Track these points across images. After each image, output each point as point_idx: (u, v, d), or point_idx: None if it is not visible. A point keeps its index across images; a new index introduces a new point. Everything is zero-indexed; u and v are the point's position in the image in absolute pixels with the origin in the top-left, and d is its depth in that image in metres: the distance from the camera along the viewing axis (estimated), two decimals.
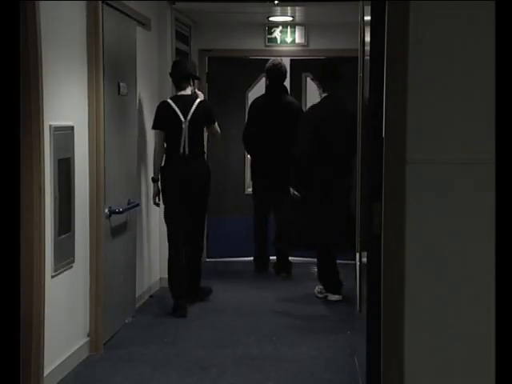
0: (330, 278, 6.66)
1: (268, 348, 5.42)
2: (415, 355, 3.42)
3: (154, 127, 6.22)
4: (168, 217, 6.22)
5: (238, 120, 8.31)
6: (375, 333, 3.53)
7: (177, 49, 7.44)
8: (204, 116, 6.20)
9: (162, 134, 6.17)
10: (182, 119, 6.07)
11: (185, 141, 6.07)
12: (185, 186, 6.11)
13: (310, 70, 8.53)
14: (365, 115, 4.21)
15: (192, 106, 6.12)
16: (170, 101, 6.17)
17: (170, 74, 6.37)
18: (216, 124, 6.38)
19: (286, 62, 8.68)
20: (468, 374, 3.42)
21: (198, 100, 6.21)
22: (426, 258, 3.39)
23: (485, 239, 3.32)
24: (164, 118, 6.13)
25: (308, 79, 8.64)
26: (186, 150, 6.07)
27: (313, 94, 8.65)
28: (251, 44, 8.42)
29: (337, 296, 6.60)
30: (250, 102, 8.19)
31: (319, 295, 6.74)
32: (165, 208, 6.25)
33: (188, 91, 6.23)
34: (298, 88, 8.63)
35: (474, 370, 3.40)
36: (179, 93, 6.23)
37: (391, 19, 3.37)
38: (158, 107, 6.21)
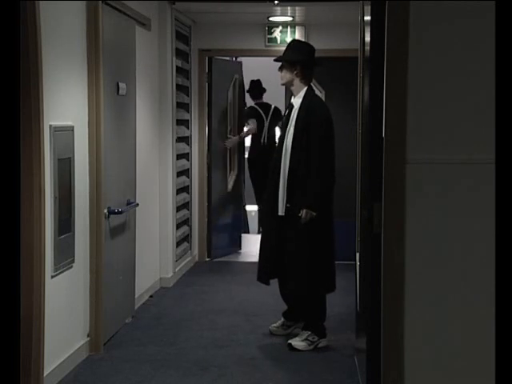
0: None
1: (268, 348, 5.42)
2: (415, 355, 3.42)
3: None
4: None
5: None
6: (375, 333, 3.53)
7: (177, 49, 7.44)
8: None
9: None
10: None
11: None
12: None
13: None
14: (365, 115, 4.21)
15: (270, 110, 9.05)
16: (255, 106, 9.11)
17: (248, 90, 9.25)
18: None
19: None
20: (468, 374, 3.42)
21: (273, 106, 9.08)
22: (425, 257, 3.39)
23: (485, 239, 3.31)
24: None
25: None
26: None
27: None
28: (251, 44, 8.43)
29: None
30: None
31: (310, 347, 5.42)
32: None
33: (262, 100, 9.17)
34: None
35: (474, 369, 3.40)
36: (257, 102, 9.21)
37: (391, 19, 3.36)
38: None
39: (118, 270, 5.69)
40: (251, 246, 9.01)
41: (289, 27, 8.36)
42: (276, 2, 7.10)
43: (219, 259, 8.58)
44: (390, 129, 3.40)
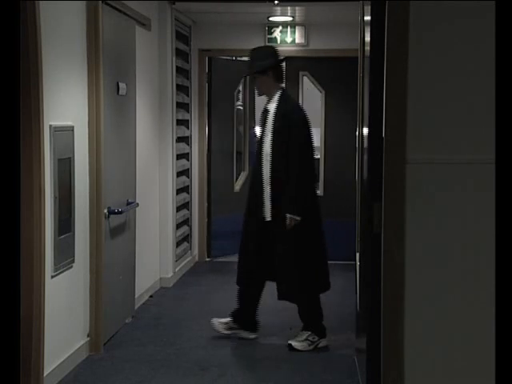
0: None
1: (268, 348, 5.42)
2: (415, 355, 3.42)
3: None
4: None
5: None
6: (375, 333, 3.53)
7: (177, 49, 7.44)
8: None
9: None
10: None
11: None
12: None
13: (308, 69, 8.56)
14: (365, 115, 4.21)
15: None
16: None
17: None
18: None
19: None
20: (468, 374, 3.42)
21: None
22: (425, 257, 3.39)
23: (485, 239, 3.31)
24: None
25: (305, 78, 8.65)
26: None
27: (309, 93, 8.71)
28: (251, 44, 8.36)
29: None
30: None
31: (310, 347, 5.41)
32: None
33: None
34: (295, 87, 8.64)
35: (474, 369, 3.40)
36: None
37: (391, 19, 3.36)
38: None
39: (118, 270, 5.69)
40: None
41: (289, 27, 8.36)
42: (276, 1, 7.10)
43: (219, 259, 8.58)
44: (390, 129, 3.40)
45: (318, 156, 8.82)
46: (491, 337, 3.05)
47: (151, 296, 6.84)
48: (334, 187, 8.59)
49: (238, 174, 9.07)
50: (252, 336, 5.60)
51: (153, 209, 7.03)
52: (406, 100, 3.35)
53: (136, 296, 6.25)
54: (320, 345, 5.42)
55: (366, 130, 4.06)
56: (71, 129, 4.79)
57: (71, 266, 4.84)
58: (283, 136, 5.25)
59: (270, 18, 8.15)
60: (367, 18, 3.92)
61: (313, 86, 8.68)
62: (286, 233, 5.27)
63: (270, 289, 6.88)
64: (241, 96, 8.96)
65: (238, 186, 8.93)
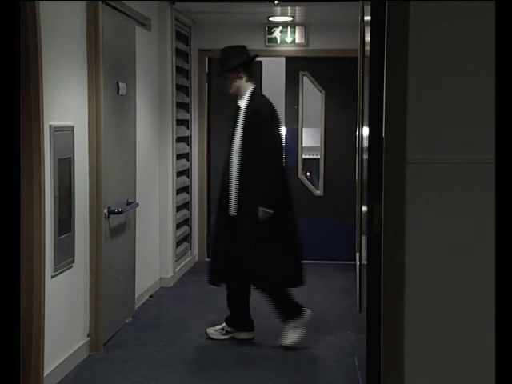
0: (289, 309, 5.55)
1: (268, 348, 5.42)
2: (415, 355, 3.42)
3: None
4: None
5: None
6: (375, 333, 3.53)
7: (177, 49, 7.44)
8: None
9: None
10: None
11: None
12: None
13: (308, 69, 8.56)
14: (365, 115, 4.21)
15: None
16: None
17: None
18: None
19: (282, 59, 8.75)
20: (468, 374, 3.42)
21: None
22: (425, 257, 3.39)
23: (485, 239, 3.32)
24: None
25: (305, 78, 8.65)
26: None
27: (309, 93, 8.71)
28: (251, 44, 8.34)
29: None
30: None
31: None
32: None
33: None
34: (295, 87, 8.64)
35: (474, 369, 3.40)
36: None
37: (391, 19, 3.36)
38: None
39: (118, 270, 5.69)
40: None
41: (289, 27, 8.37)
42: (276, 1, 7.10)
43: None
44: (390, 129, 3.40)
45: (318, 156, 8.84)
46: (491, 337, 3.05)
47: (151, 296, 6.84)
48: (334, 187, 8.60)
49: None
50: (249, 336, 5.61)
51: (153, 209, 7.03)
52: (406, 100, 3.35)
53: (136, 296, 6.25)
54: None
55: (365, 130, 4.06)
56: (71, 129, 4.79)
57: (71, 266, 4.84)
58: (252, 132, 5.32)
59: (270, 18, 8.15)
60: (367, 18, 3.92)
61: (313, 85, 8.68)
62: (253, 229, 5.30)
63: None
64: None
65: None
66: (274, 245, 5.35)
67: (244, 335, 5.60)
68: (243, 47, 5.68)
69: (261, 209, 5.25)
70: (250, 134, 5.33)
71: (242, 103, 5.44)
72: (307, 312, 5.52)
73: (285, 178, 5.47)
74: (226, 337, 5.58)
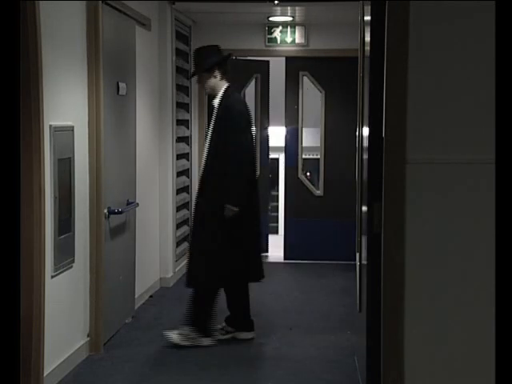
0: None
1: (268, 348, 5.42)
2: (415, 355, 3.42)
3: None
4: None
5: None
6: (375, 333, 3.53)
7: (177, 49, 7.44)
8: None
9: None
10: None
11: None
12: None
13: (308, 69, 8.56)
14: (365, 115, 4.21)
15: None
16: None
17: None
18: None
19: (282, 59, 8.75)
20: (468, 374, 3.42)
21: None
22: (425, 257, 3.39)
23: (485, 239, 3.32)
24: None
25: (305, 78, 8.65)
26: None
27: (309, 93, 8.71)
28: (251, 44, 8.43)
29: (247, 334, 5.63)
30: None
31: (183, 342, 5.39)
32: None
33: None
34: (295, 86, 8.64)
35: (474, 369, 3.40)
36: None
37: (391, 19, 3.36)
38: None
39: (118, 270, 5.69)
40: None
41: (289, 27, 8.37)
42: (276, 1, 7.10)
43: None
44: (390, 129, 3.40)
45: (318, 156, 8.84)
46: (491, 337, 3.05)
47: (151, 296, 6.84)
48: (334, 187, 8.60)
49: None
50: (249, 336, 5.61)
51: (153, 209, 7.03)
52: (406, 100, 3.35)
53: (136, 296, 6.25)
54: (202, 344, 5.40)
55: (365, 130, 4.06)
56: (71, 129, 4.79)
57: (71, 266, 4.84)
58: (223, 130, 5.34)
59: (270, 18, 8.16)
60: (367, 18, 3.92)
61: (313, 85, 8.68)
62: (219, 225, 5.32)
63: (270, 289, 6.91)
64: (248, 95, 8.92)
65: None
66: (238, 242, 5.39)
67: (244, 335, 5.60)
68: (216, 46, 5.71)
69: (227, 206, 5.27)
70: (221, 133, 5.35)
71: (216, 102, 5.46)
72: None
73: (254, 176, 5.49)
74: (227, 337, 5.57)
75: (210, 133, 5.45)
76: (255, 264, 5.56)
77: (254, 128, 5.51)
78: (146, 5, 6.52)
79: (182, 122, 7.84)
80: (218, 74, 5.46)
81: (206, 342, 5.42)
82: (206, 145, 5.46)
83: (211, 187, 5.38)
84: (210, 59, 5.46)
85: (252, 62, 8.84)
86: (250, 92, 8.97)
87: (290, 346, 5.43)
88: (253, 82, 8.93)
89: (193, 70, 5.58)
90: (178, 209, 7.66)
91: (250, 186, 5.43)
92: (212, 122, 5.45)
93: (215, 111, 5.45)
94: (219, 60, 5.49)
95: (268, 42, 8.43)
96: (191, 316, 5.49)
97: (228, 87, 5.50)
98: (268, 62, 8.96)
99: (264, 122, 9.04)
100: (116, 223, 5.58)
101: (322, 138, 8.67)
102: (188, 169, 8.10)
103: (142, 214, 6.45)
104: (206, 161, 5.40)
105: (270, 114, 9.20)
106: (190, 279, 5.53)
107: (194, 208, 5.58)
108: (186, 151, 8.02)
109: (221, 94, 5.45)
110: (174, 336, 5.40)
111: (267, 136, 9.12)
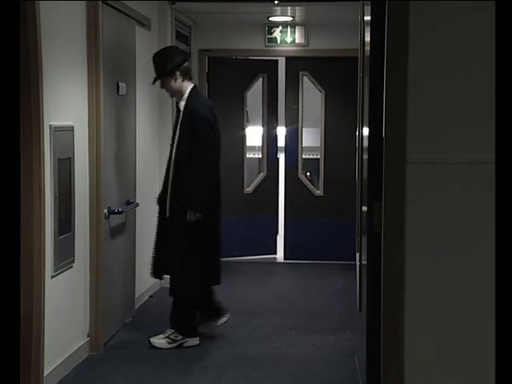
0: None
1: (268, 348, 5.42)
2: (415, 355, 3.42)
3: None
4: None
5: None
6: (375, 333, 3.53)
7: None
8: None
9: None
10: None
11: None
12: None
13: (308, 69, 8.56)
14: (365, 115, 4.21)
15: None
16: None
17: None
18: None
19: (282, 59, 8.72)
20: (468, 374, 3.42)
21: None
22: (425, 257, 3.39)
23: (485, 239, 3.32)
24: None
25: (305, 78, 8.65)
26: None
27: (309, 93, 8.70)
28: (251, 44, 8.43)
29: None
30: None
31: (169, 345, 5.38)
32: None
33: None
34: (295, 86, 8.63)
35: (474, 369, 3.40)
36: None
37: (391, 19, 3.37)
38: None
39: (118, 270, 5.69)
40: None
41: (289, 27, 8.37)
42: (276, 1, 7.10)
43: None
44: (390, 129, 3.40)
45: (318, 156, 8.83)
46: (491, 337, 3.05)
47: (151, 296, 6.84)
48: (334, 187, 8.59)
49: (257, 174, 8.98)
50: (223, 320, 5.63)
51: (153, 209, 7.01)
52: (406, 100, 3.35)
53: (136, 296, 6.25)
54: (186, 344, 5.38)
55: (365, 130, 4.06)
56: (71, 129, 4.79)
57: (71, 266, 4.84)
58: (188, 133, 5.28)
59: (270, 18, 8.16)
60: (367, 18, 3.92)
61: (313, 85, 8.68)
62: (182, 229, 5.30)
63: (270, 289, 6.90)
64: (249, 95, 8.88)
65: (250, 188, 8.82)
66: (200, 247, 5.35)
67: (219, 321, 5.64)
68: (174, 48, 5.64)
69: (189, 212, 5.23)
70: (185, 140, 5.28)
71: (181, 105, 5.39)
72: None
73: (218, 180, 5.43)
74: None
75: (176, 137, 5.36)
76: (216, 268, 5.54)
77: (219, 131, 5.41)
78: (146, 5, 6.52)
79: None
80: (179, 76, 5.36)
81: (193, 341, 5.41)
82: (172, 149, 5.38)
83: (174, 193, 5.34)
84: (169, 63, 5.34)
85: (259, 61, 8.75)
86: (257, 91, 8.88)
87: (290, 346, 5.43)
88: (259, 81, 8.87)
89: (154, 75, 5.45)
90: None
91: (214, 190, 5.38)
92: (178, 126, 5.36)
93: (181, 114, 5.35)
94: (179, 62, 5.38)
95: (268, 42, 8.43)
96: (176, 318, 5.46)
97: (193, 88, 5.42)
98: (277, 61, 8.87)
99: (272, 122, 8.94)
100: (116, 223, 5.58)
101: (321, 137, 8.66)
102: None
103: (142, 213, 6.44)
104: (175, 168, 5.32)
105: None
106: (170, 290, 5.54)
107: (158, 213, 5.54)
108: None
109: (186, 96, 5.37)
110: (159, 341, 5.36)
111: (276, 136, 8.99)
